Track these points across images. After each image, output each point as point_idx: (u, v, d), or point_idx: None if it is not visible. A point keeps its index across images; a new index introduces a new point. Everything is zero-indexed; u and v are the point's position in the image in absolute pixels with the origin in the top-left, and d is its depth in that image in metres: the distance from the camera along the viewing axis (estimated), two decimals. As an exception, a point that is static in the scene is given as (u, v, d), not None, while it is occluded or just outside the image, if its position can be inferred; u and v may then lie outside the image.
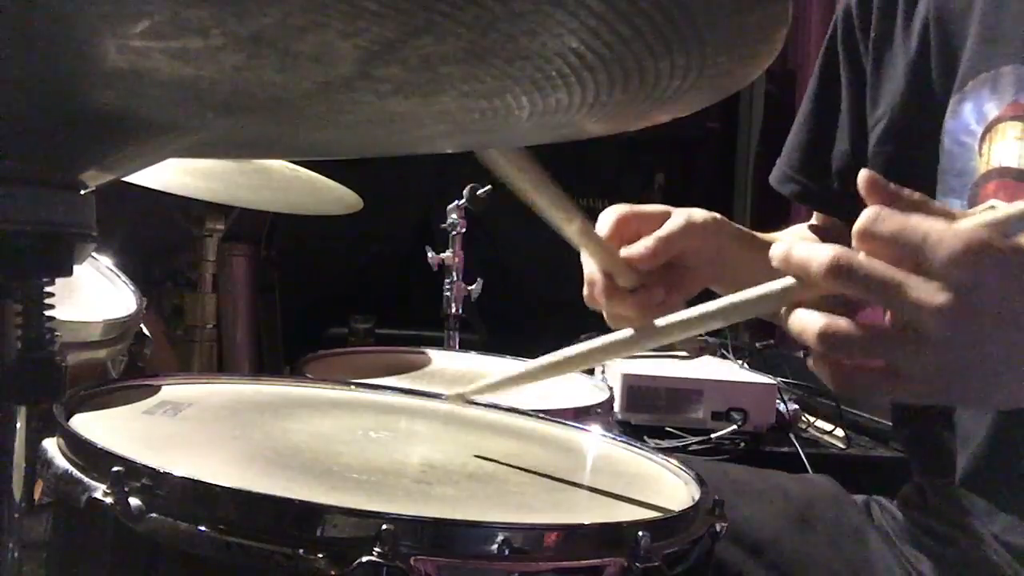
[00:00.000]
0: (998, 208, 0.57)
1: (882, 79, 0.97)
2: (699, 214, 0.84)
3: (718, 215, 0.86)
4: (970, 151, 0.85)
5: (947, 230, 0.54)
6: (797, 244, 0.58)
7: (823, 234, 1.10)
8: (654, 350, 0.90)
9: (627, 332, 0.69)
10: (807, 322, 0.57)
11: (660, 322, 0.67)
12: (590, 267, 0.79)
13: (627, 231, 0.81)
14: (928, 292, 0.53)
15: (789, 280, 0.59)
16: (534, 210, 0.65)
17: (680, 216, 0.82)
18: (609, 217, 0.82)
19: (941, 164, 0.88)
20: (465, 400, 0.80)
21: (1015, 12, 0.83)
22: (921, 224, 0.54)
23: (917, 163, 0.90)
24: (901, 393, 0.59)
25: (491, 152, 0.57)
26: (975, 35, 0.86)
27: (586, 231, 0.74)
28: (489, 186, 1.58)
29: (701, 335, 2.03)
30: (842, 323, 0.56)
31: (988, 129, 0.84)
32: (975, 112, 0.85)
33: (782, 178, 1.10)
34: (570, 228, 0.71)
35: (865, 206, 0.57)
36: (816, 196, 1.07)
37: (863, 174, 0.58)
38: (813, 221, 1.14)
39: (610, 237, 0.80)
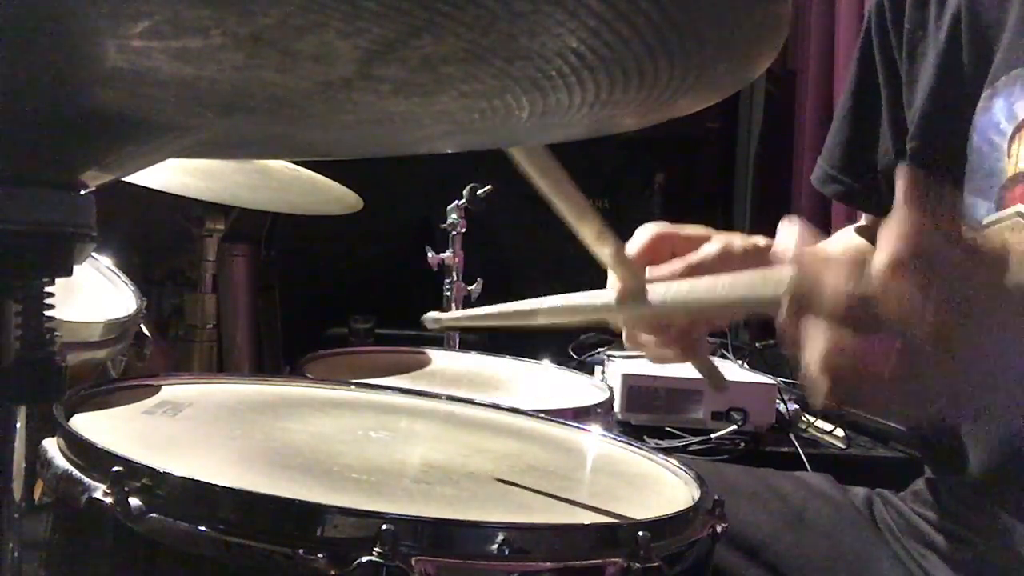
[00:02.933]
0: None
1: (916, 74, 0.91)
2: (739, 241, 0.79)
3: (761, 241, 0.79)
4: (999, 151, 0.80)
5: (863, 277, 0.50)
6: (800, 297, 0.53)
7: (871, 237, 1.04)
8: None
9: (610, 294, 0.65)
10: (814, 335, 0.52)
11: (654, 296, 0.63)
12: (614, 281, 0.75)
13: (662, 250, 0.77)
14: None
15: (789, 275, 0.54)
16: (556, 213, 0.63)
17: (717, 243, 0.78)
18: (645, 234, 0.78)
19: (970, 162, 0.83)
20: (440, 324, 0.78)
21: None
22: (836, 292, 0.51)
23: (945, 160, 0.85)
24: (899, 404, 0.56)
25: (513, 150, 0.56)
26: (1011, 27, 0.80)
27: (613, 248, 0.70)
28: (489, 186, 1.58)
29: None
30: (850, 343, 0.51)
31: (1018, 129, 0.79)
32: (1005, 110, 0.80)
33: (824, 178, 1.04)
34: (591, 239, 0.67)
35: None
36: (860, 196, 1.01)
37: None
38: (862, 222, 1.08)
39: (641, 254, 0.77)
